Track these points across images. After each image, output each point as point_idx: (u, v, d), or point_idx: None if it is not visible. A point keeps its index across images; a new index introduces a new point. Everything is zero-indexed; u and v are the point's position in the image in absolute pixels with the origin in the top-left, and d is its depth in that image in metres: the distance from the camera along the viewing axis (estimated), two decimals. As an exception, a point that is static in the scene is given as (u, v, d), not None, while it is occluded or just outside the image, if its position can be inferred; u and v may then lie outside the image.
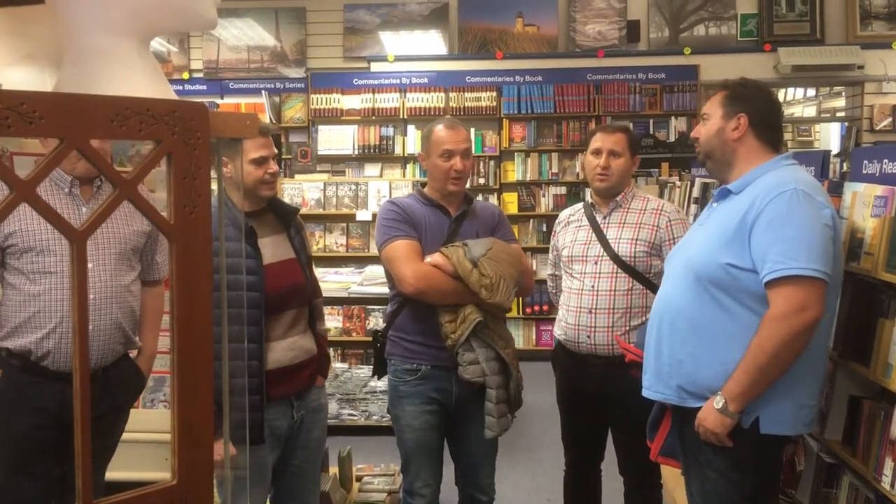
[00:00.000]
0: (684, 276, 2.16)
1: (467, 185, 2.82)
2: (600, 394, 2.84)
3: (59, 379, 2.39)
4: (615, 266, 2.78)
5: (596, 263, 2.82)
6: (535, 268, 6.56)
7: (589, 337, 2.80)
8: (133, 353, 2.65)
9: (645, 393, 2.26)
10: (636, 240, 2.79)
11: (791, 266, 1.94)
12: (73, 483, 2.51)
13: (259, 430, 2.40)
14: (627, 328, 2.76)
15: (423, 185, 2.83)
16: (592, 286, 2.80)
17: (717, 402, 2.04)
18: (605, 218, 2.88)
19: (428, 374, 2.67)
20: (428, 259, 2.59)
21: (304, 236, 2.68)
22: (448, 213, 2.72)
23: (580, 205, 3.02)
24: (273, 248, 2.51)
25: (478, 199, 3.00)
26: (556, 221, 3.10)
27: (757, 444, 2.08)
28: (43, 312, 2.38)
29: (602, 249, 2.82)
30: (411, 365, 2.68)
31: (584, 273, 2.83)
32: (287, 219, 2.59)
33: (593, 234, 2.86)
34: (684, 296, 2.14)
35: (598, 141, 2.87)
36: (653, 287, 2.78)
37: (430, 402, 2.68)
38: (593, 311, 2.79)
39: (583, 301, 2.82)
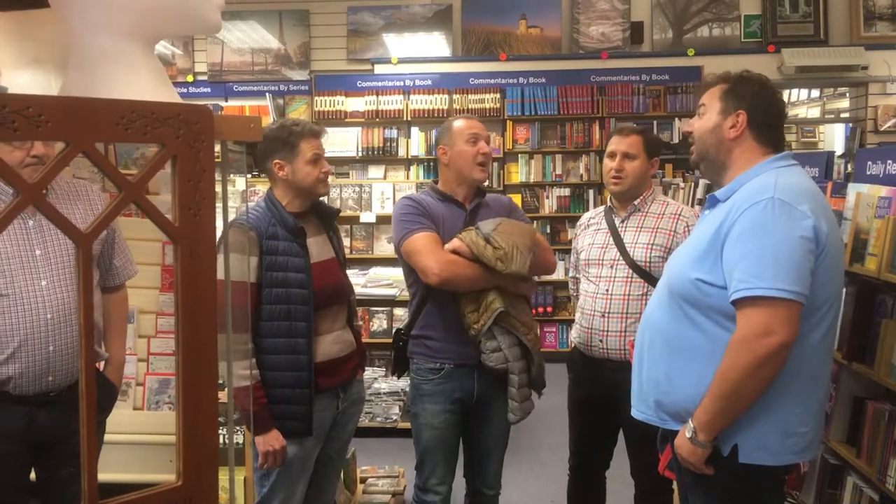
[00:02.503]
0: (662, 290, 2.03)
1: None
2: (612, 398, 2.77)
3: (24, 403, 2.27)
4: (630, 270, 2.76)
5: (611, 267, 2.80)
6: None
7: (601, 341, 2.79)
8: (100, 366, 2.54)
9: (633, 412, 2.13)
10: (652, 244, 2.76)
11: (755, 286, 1.75)
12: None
13: (308, 422, 2.48)
14: None
15: (435, 182, 2.84)
16: (607, 290, 2.79)
17: (688, 430, 1.89)
18: (622, 221, 2.85)
19: (451, 373, 2.69)
20: (447, 246, 2.60)
21: (339, 238, 2.77)
22: (462, 206, 2.75)
23: (602, 208, 3.00)
24: (318, 248, 2.59)
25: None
26: (578, 224, 3.09)
27: (739, 473, 1.89)
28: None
29: (618, 253, 2.79)
30: (434, 364, 2.71)
31: (600, 277, 2.82)
32: (329, 220, 2.69)
33: (611, 238, 2.83)
34: (660, 311, 2.00)
35: (613, 144, 2.85)
36: None
37: (451, 401, 2.71)
38: (606, 314, 2.77)
39: (597, 305, 2.80)
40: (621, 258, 2.78)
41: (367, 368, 5.32)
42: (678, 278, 1.94)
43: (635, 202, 2.84)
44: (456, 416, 2.73)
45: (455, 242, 2.60)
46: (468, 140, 2.69)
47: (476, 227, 2.62)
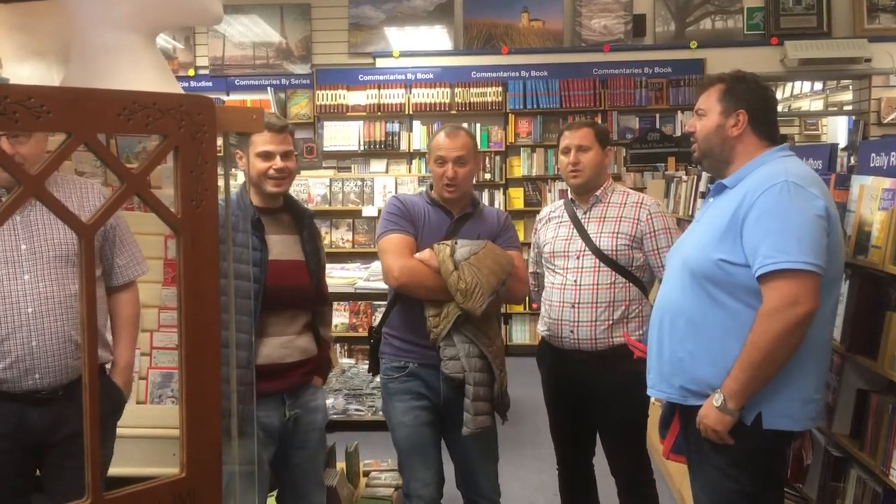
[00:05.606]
0: (681, 274, 2.14)
1: (473, 181, 2.83)
2: (585, 391, 2.85)
3: (13, 400, 2.22)
4: (597, 260, 2.79)
5: (578, 258, 2.83)
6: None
7: (572, 332, 2.80)
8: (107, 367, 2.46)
9: (649, 392, 2.26)
10: (617, 233, 2.81)
11: (782, 259, 1.91)
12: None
13: (248, 421, 2.36)
14: (611, 322, 2.77)
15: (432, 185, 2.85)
16: (575, 281, 2.81)
17: (717, 399, 2.02)
18: (585, 213, 2.89)
19: (415, 372, 2.67)
20: (417, 255, 2.59)
21: (318, 245, 2.69)
22: (450, 213, 2.73)
23: (561, 201, 3.03)
24: (282, 247, 2.53)
25: (485, 204, 2.98)
26: (537, 219, 3.10)
27: (759, 440, 2.04)
28: None
29: (584, 244, 2.83)
30: (399, 362, 2.69)
31: (567, 268, 2.84)
32: (301, 221, 2.62)
33: (574, 230, 2.87)
34: (681, 294, 2.13)
35: (565, 139, 2.88)
36: (635, 280, 2.81)
37: (418, 397, 2.67)
38: (576, 305, 2.80)
39: (565, 296, 2.82)
40: (587, 249, 2.82)
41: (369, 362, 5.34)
42: (700, 261, 2.07)
43: (596, 193, 2.89)
44: (426, 412, 2.68)
45: (426, 253, 2.58)
46: (436, 161, 2.69)
47: (455, 243, 2.57)
